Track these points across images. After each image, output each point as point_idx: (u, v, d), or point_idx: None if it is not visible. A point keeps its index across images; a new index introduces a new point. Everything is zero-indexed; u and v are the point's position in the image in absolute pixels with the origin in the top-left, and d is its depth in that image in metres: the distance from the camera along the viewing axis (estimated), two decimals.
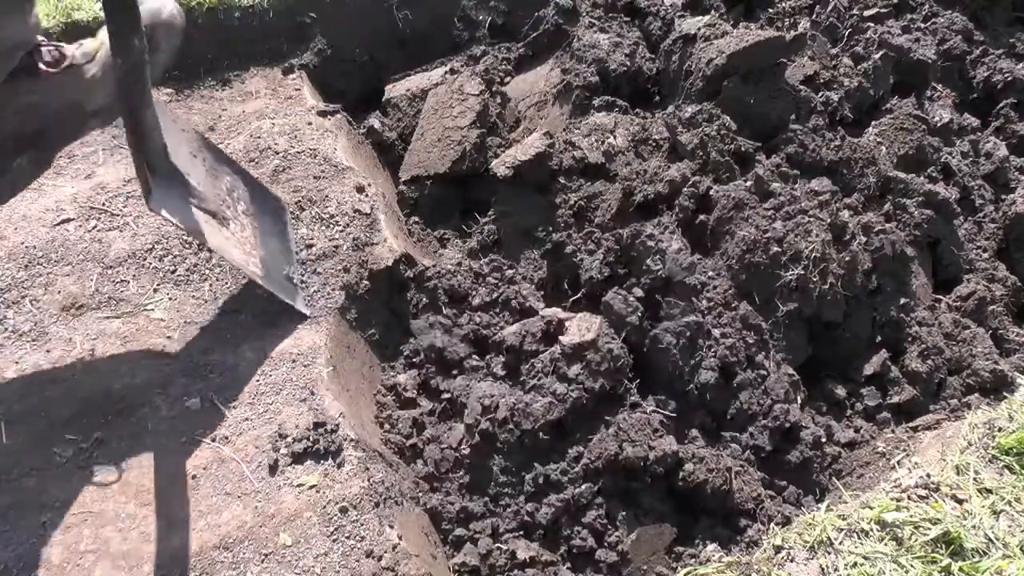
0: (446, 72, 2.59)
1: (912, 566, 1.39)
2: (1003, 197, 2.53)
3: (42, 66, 1.53)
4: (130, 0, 1.36)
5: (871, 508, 1.50)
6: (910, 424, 1.99)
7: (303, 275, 1.92)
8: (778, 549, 1.49)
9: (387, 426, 1.83)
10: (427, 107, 2.45)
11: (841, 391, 2.05)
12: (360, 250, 2.01)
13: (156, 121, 1.54)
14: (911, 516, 1.46)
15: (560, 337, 1.81)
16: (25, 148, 1.58)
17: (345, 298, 1.91)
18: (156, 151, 1.57)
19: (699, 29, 2.45)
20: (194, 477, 1.55)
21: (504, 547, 1.64)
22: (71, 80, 1.56)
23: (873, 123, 2.51)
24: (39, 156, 1.63)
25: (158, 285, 1.87)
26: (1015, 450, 1.60)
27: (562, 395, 1.73)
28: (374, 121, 2.60)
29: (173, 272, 1.90)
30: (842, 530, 1.48)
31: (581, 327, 1.82)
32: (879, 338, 2.12)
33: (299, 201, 2.09)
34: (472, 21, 2.83)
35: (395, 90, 2.63)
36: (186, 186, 1.66)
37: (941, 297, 2.28)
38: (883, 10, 2.77)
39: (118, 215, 2.01)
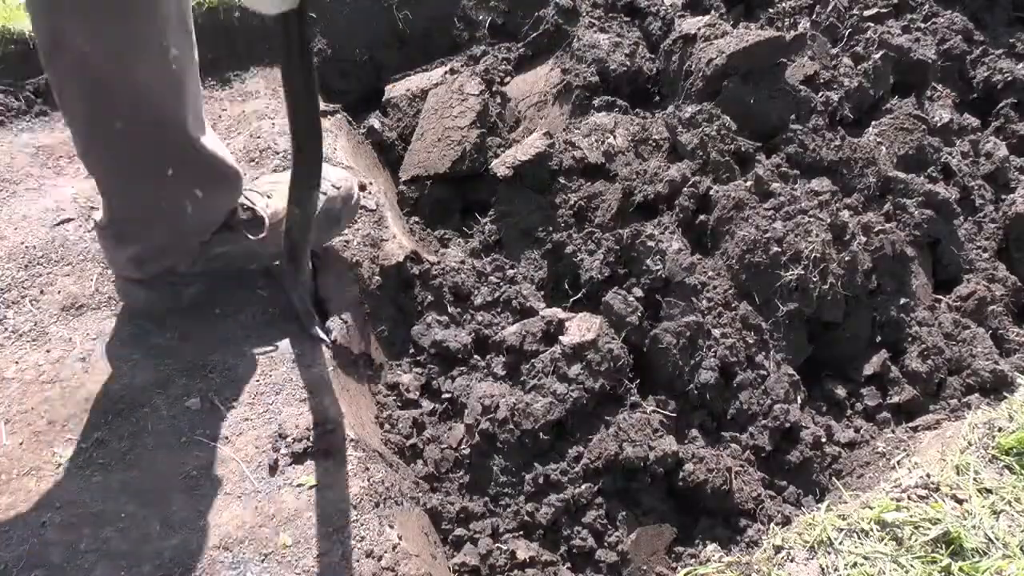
0: (446, 72, 2.59)
1: (912, 566, 1.39)
2: (1003, 197, 2.53)
3: (243, 228, 1.72)
4: (318, 156, 1.53)
5: (871, 508, 1.50)
6: (910, 424, 1.99)
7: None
8: (778, 549, 1.49)
9: (387, 426, 1.83)
10: (427, 107, 2.45)
11: (841, 391, 2.06)
12: (371, 246, 2.01)
13: (307, 266, 1.78)
14: (911, 516, 1.46)
15: (560, 337, 1.82)
16: (196, 281, 1.78)
17: (359, 292, 1.91)
18: (308, 290, 1.81)
19: (699, 29, 2.45)
20: (194, 477, 1.54)
21: (504, 547, 1.64)
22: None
23: (873, 123, 2.52)
24: (207, 287, 1.81)
25: None
26: (1015, 450, 1.60)
27: (562, 395, 1.73)
28: (374, 121, 2.60)
29: None
30: (842, 530, 1.48)
31: (581, 327, 1.82)
32: (879, 338, 2.13)
33: None
34: (472, 21, 2.82)
35: (395, 90, 2.62)
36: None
37: (941, 297, 2.28)
38: (883, 10, 2.77)
39: None
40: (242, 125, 2.34)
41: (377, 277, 1.97)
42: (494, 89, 2.54)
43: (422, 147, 2.38)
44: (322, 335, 1.78)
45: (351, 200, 1.88)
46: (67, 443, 1.58)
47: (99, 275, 1.87)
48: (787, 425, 1.87)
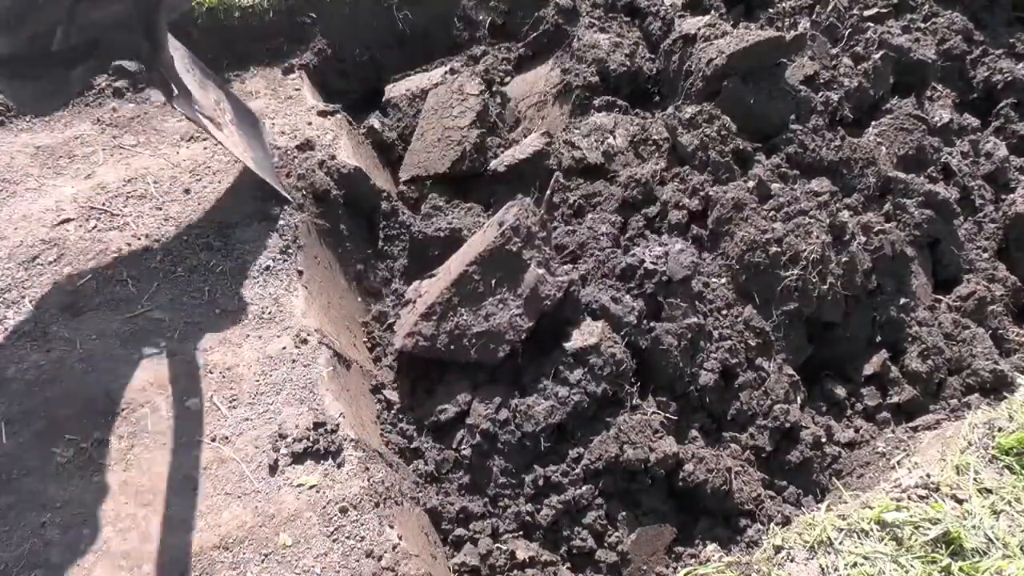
0: (446, 72, 2.59)
1: (912, 566, 1.39)
2: (1003, 197, 2.53)
3: None
4: None
5: (871, 508, 1.50)
6: (910, 424, 1.99)
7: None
8: (778, 549, 1.49)
9: (387, 426, 1.83)
10: (427, 107, 2.45)
11: (841, 391, 2.05)
12: None
13: (165, 39, 1.81)
14: (911, 516, 1.46)
15: (563, 342, 1.81)
16: (78, 60, 1.87)
17: None
18: (167, 63, 1.83)
19: (699, 29, 2.45)
20: (194, 477, 1.54)
21: (504, 547, 1.64)
22: None
23: (873, 123, 2.52)
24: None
25: (158, 285, 1.87)
26: (1015, 450, 1.60)
27: (564, 398, 1.73)
28: (374, 121, 2.60)
29: (173, 272, 1.90)
30: (842, 530, 1.48)
31: (584, 331, 1.81)
32: (879, 338, 2.13)
33: None
34: (472, 21, 2.83)
35: (395, 90, 2.63)
36: (186, 92, 1.90)
37: (941, 297, 2.28)
38: (883, 10, 2.77)
39: (118, 215, 2.01)
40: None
41: None
42: (494, 89, 2.54)
43: (422, 147, 2.38)
44: (190, 108, 1.86)
45: None
46: (67, 443, 1.58)
47: (99, 275, 1.87)
48: (787, 425, 1.87)
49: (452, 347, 1.79)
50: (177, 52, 1.94)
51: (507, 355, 1.77)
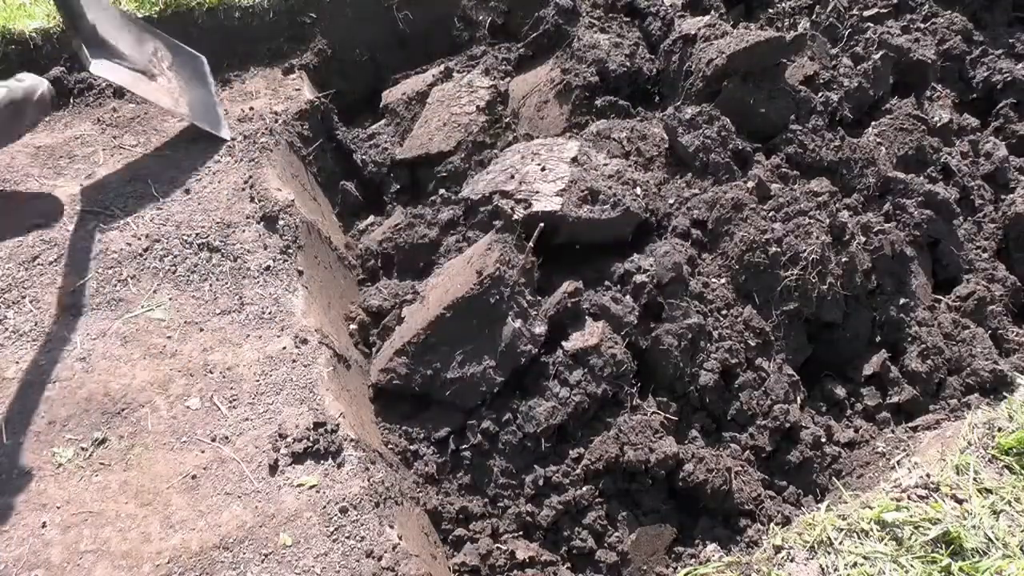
0: (441, 71, 2.59)
1: (912, 566, 1.39)
2: (1003, 197, 2.53)
3: None
4: None
5: (871, 508, 1.50)
6: (910, 424, 1.99)
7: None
8: (778, 549, 1.49)
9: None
10: (432, 99, 2.44)
11: (841, 391, 2.06)
12: None
13: (81, 8, 1.96)
14: (911, 516, 1.47)
15: (563, 342, 1.81)
16: None
17: None
18: (87, 30, 1.99)
19: (699, 29, 2.45)
20: (194, 477, 1.55)
21: (504, 547, 1.64)
22: None
23: (873, 123, 2.52)
24: None
25: (158, 285, 1.87)
26: (1015, 450, 1.61)
27: (565, 399, 1.73)
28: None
29: (173, 272, 1.90)
30: (842, 530, 1.48)
31: (584, 332, 1.81)
32: (879, 338, 2.13)
33: None
34: (472, 21, 2.83)
35: (391, 95, 2.62)
36: (115, 53, 2.08)
37: (941, 297, 2.28)
38: (883, 10, 2.77)
39: (118, 215, 2.01)
40: (243, 125, 2.34)
41: None
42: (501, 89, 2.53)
43: (425, 132, 2.36)
44: (113, 73, 2.03)
45: (33, 96, 2.05)
46: (67, 443, 1.58)
47: (99, 275, 1.87)
48: (787, 425, 1.87)
49: (426, 387, 1.78)
50: (105, 12, 2.09)
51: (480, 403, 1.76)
